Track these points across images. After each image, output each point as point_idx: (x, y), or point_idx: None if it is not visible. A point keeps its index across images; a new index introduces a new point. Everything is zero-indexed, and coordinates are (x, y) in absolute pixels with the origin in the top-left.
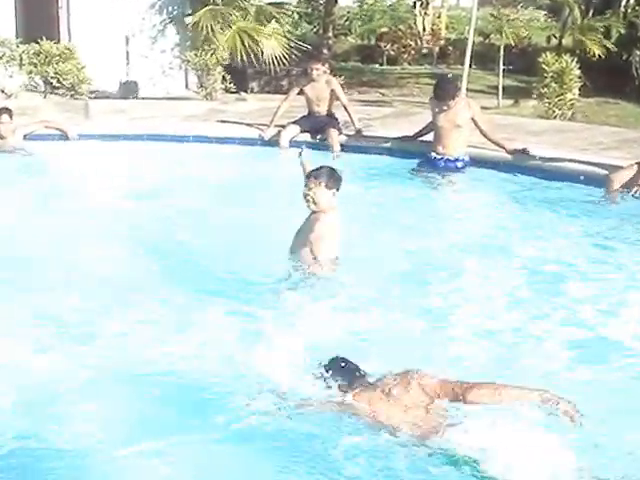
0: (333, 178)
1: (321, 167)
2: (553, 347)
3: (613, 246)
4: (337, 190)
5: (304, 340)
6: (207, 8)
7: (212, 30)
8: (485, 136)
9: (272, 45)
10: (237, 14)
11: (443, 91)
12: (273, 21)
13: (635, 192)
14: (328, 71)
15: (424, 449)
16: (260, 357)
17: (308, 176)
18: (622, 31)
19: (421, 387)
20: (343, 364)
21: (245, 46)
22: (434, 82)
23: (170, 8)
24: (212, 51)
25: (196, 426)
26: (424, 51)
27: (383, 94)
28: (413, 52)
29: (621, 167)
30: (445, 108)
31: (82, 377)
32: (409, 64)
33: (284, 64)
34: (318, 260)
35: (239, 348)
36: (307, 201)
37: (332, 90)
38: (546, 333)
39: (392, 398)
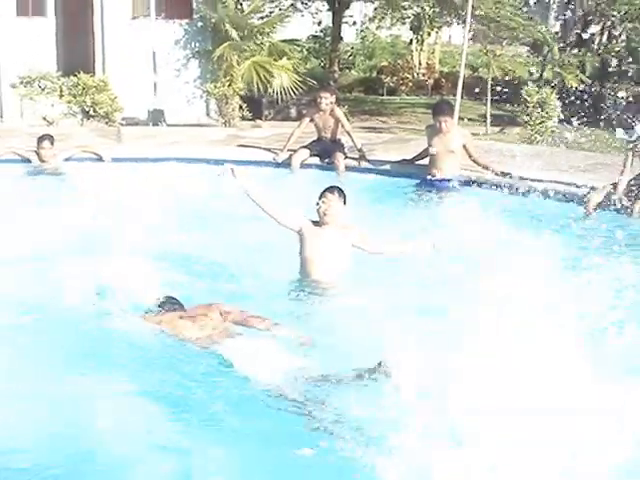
0: (345, 196)
1: (335, 185)
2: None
3: (590, 256)
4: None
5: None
6: (227, 43)
7: (222, 63)
8: (475, 162)
9: (283, 77)
10: (253, 49)
11: (439, 108)
12: (284, 57)
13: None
14: (334, 101)
15: None
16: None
17: (327, 191)
18: (595, 65)
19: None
20: (165, 299)
21: (260, 78)
22: (431, 110)
23: (193, 44)
24: (229, 82)
25: None
26: (420, 83)
27: (384, 122)
28: (410, 84)
29: (596, 188)
30: (440, 134)
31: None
32: (407, 95)
33: (293, 94)
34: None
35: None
36: (325, 215)
37: (337, 119)
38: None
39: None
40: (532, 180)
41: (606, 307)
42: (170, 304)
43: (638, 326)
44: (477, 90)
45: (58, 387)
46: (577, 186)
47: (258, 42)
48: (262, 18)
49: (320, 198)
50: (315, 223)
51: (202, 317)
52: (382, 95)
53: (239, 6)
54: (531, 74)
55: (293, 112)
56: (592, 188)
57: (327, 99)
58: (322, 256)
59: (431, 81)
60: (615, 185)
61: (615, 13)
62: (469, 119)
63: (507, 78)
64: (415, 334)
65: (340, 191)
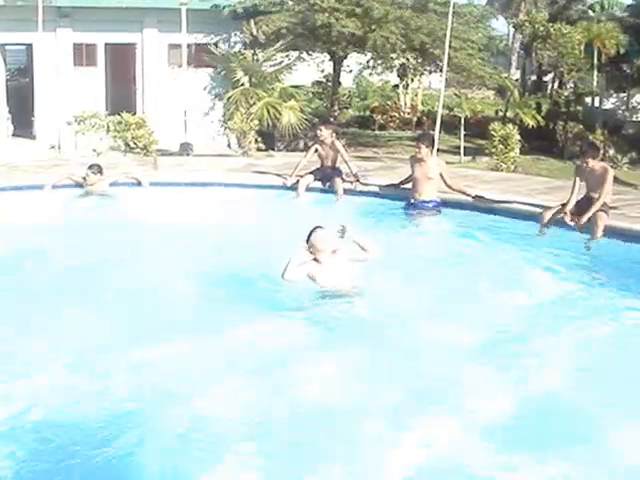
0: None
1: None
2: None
3: (544, 263)
4: None
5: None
6: (239, 89)
7: (241, 104)
8: (449, 187)
9: (290, 115)
10: (264, 94)
11: (422, 137)
12: (292, 98)
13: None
14: (334, 135)
15: None
16: None
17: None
18: (549, 107)
19: None
20: None
21: (270, 116)
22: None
23: (217, 90)
24: (246, 119)
25: None
26: (406, 120)
27: (375, 152)
28: (397, 121)
29: (549, 207)
30: (421, 163)
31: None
32: (394, 130)
33: (300, 129)
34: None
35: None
36: (318, 251)
37: (337, 150)
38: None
39: None
40: (498, 202)
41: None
42: None
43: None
44: (452, 126)
45: None
46: (535, 206)
47: (269, 87)
48: (274, 66)
49: (308, 241)
50: (315, 260)
51: None
52: (374, 130)
53: (255, 56)
54: (497, 113)
55: (301, 144)
56: (545, 207)
57: (322, 132)
58: (330, 282)
59: (415, 119)
60: (564, 205)
61: (564, 65)
62: (444, 151)
63: (478, 116)
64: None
65: (321, 227)
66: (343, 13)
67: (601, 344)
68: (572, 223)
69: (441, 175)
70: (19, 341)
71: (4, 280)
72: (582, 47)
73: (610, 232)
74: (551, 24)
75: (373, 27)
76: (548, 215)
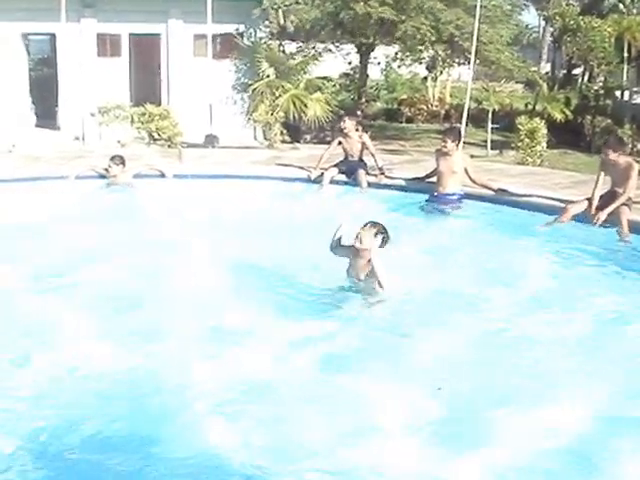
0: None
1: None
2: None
3: (564, 257)
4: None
5: None
6: (264, 81)
7: (266, 96)
8: (474, 182)
9: (315, 108)
10: (290, 85)
11: (448, 131)
12: (318, 90)
13: (596, 222)
14: (359, 127)
15: None
16: None
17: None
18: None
19: None
20: None
21: (296, 108)
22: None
23: (243, 81)
24: (272, 111)
25: None
26: (434, 113)
27: (402, 145)
28: (425, 114)
29: (575, 201)
30: (446, 157)
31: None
32: (422, 123)
33: (326, 122)
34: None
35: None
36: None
37: (363, 142)
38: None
39: None
40: (523, 195)
41: None
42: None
43: None
44: (480, 119)
45: None
46: (557, 200)
47: (294, 79)
48: (300, 57)
49: (357, 236)
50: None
51: None
52: (401, 123)
53: (282, 47)
54: (527, 106)
55: (328, 136)
56: (570, 201)
57: (345, 123)
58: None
59: (443, 111)
60: (589, 199)
61: (594, 59)
62: (472, 144)
63: (505, 110)
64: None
65: (376, 224)
66: (377, 1)
67: (623, 336)
68: (592, 218)
69: (465, 170)
70: (40, 332)
71: (25, 268)
72: (612, 40)
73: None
74: (581, 17)
75: (404, 17)
76: (573, 209)
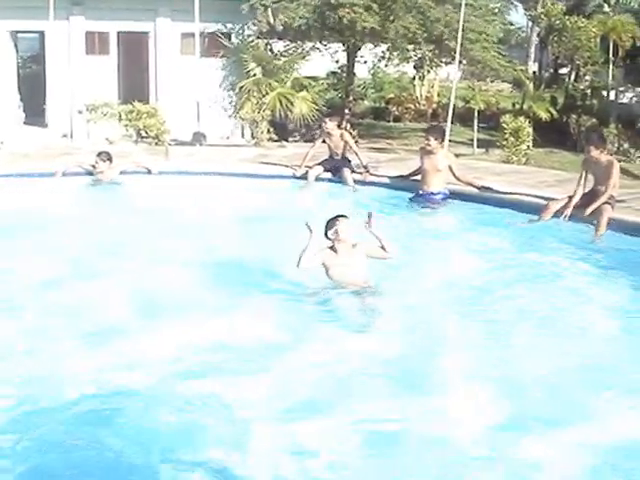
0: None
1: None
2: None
3: (546, 253)
4: None
5: None
6: (251, 79)
7: (253, 94)
8: (458, 180)
9: (301, 106)
10: (277, 84)
11: (431, 129)
12: (305, 89)
13: (564, 217)
14: (341, 127)
15: None
16: None
17: (337, 218)
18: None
19: None
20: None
21: (282, 106)
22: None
23: (230, 79)
24: (258, 110)
25: None
26: (421, 112)
27: (389, 144)
28: (413, 113)
29: (556, 199)
30: (430, 155)
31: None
32: (410, 122)
33: (312, 120)
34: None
35: None
36: (339, 240)
37: (346, 141)
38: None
39: None
40: (508, 193)
41: None
42: None
43: None
44: (467, 118)
45: None
46: (541, 198)
47: (280, 78)
48: (288, 56)
49: (331, 227)
50: (331, 248)
51: None
52: (389, 122)
53: (269, 46)
54: (514, 106)
55: (314, 134)
56: (551, 199)
57: (327, 124)
58: (343, 275)
59: (430, 110)
60: (571, 197)
61: (580, 58)
62: (459, 142)
63: (494, 109)
64: None
65: (344, 216)
66: (361, 7)
67: (601, 333)
68: (576, 215)
69: (450, 167)
70: (21, 328)
71: (11, 263)
72: (598, 40)
73: (615, 225)
74: (567, 17)
75: (392, 18)
76: (554, 206)
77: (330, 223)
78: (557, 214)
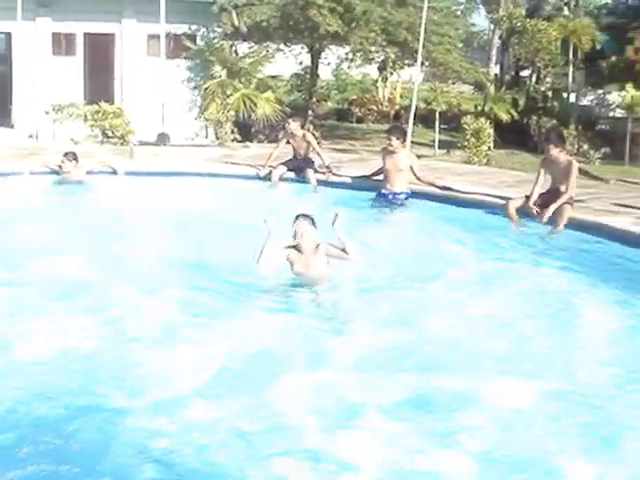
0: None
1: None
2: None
3: (505, 252)
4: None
5: None
6: (216, 80)
7: (217, 95)
8: (419, 179)
9: (265, 107)
10: (241, 85)
11: (393, 129)
12: (269, 90)
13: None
14: (305, 127)
15: None
16: None
17: (298, 218)
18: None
19: None
20: None
21: (246, 107)
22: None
23: (195, 80)
24: (222, 110)
25: None
26: (384, 113)
27: (352, 145)
28: (375, 114)
29: (512, 198)
30: (392, 155)
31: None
32: (372, 123)
33: (276, 121)
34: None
35: None
36: (302, 237)
37: (308, 142)
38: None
39: None
40: (469, 193)
41: None
42: None
43: None
44: (429, 119)
45: None
46: (500, 197)
47: (245, 79)
48: (252, 58)
49: (293, 227)
50: (294, 247)
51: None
52: (352, 123)
53: (233, 47)
54: (476, 107)
55: (278, 135)
56: (507, 199)
57: (290, 125)
58: (307, 270)
59: (393, 112)
60: (528, 197)
61: (540, 60)
62: (422, 143)
63: (455, 110)
64: None
65: (307, 216)
66: (326, 9)
67: (564, 328)
68: (537, 215)
69: (411, 167)
70: None
71: None
72: (558, 43)
73: (574, 225)
74: (528, 20)
75: (353, 25)
76: (511, 206)
77: (293, 223)
78: (533, 217)
